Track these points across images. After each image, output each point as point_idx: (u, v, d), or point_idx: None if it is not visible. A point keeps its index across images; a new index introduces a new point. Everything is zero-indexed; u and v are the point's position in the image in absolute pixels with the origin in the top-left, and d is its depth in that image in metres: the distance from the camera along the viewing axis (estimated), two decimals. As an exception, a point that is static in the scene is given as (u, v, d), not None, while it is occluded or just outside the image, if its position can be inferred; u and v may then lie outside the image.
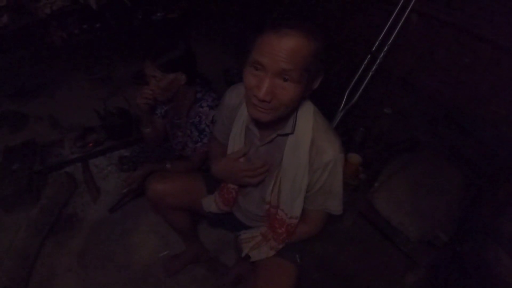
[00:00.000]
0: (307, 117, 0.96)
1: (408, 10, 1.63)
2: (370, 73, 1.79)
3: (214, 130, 1.25)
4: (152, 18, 3.33)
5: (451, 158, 1.66)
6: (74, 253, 1.74)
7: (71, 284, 1.61)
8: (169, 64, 1.34)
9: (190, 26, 3.54)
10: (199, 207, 1.32)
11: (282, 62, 0.74)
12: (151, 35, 3.23)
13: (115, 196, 1.97)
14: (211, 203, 1.28)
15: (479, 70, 1.51)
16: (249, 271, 1.55)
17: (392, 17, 1.70)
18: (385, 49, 1.73)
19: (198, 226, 1.80)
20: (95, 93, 2.72)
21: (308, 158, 0.96)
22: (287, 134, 0.96)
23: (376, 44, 1.78)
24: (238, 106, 1.07)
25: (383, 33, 1.75)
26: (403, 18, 1.66)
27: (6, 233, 1.78)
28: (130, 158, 1.88)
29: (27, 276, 1.60)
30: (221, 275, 1.65)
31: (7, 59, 2.77)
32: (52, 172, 2.09)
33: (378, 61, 1.76)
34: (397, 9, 1.68)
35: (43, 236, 1.75)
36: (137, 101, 1.43)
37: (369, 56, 1.82)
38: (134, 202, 1.95)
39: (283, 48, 0.73)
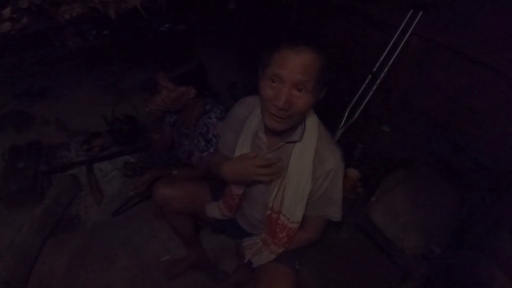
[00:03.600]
0: (313, 127, 1.03)
1: (408, 33, 1.71)
2: (371, 92, 1.86)
3: (218, 144, 1.30)
4: (160, 29, 3.42)
5: (446, 175, 1.71)
6: (75, 254, 1.75)
7: (70, 284, 1.63)
8: (181, 77, 1.40)
9: (196, 39, 3.63)
10: (203, 213, 1.36)
11: (299, 74, 0.84)
12: (159, 45, 3.30)
13: (118, 200, 2.00)
14: (214, 209, 1.32)
15: (474, 91, 1.56)
16: (248, 278, 1.58)
17: (393, 39, 1.78)
18: (386, 69, 1.79)
19: (200, 233, 1.82)
20: (102, 99, 2.77)
21: (312, 166, 1.02)
22: (294, 142, 1.02)
23: (377, 65, 1.85)
24: (246, 117, 1.12)
25: (384, 54, 1.82)
26: (404, 41, 1.73)
27: (9, 230, 1.81)
28: (136, 163, 1.92)
29: (27, 274, 1.62)
30: (221, 282, 1.67)
31: (16, 60, 2.82)
32: (57, 173, 2.12)
33: (378, 81, 1.83)
34: (398, 32, 1.76)
35: (45, 236, 1.77)
36: (149, 107, 1.48)
37: (370, 76, 1.88)
38: (137, 207, 1.98)
39: (300, 62, 0.84)
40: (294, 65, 0.84)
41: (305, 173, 1.03)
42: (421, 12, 1.64)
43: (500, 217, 1.49)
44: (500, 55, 1.42)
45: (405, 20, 1.71)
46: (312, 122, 1.03)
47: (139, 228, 1.89)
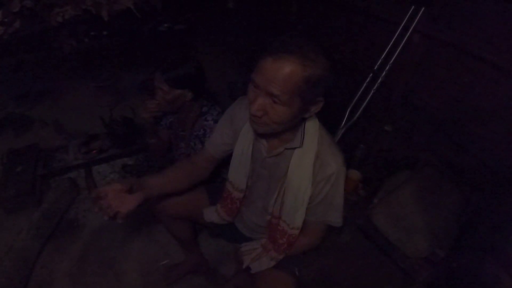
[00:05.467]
0: (313, 132, 1.00)
1: (410, 31, 1.67)
2: (372, 91, 1.82)
3: (207, 141, 1.25)
4: (158, 29, 3.39)
5: (450, 176, 1.68)
6: (74, 258, 1.74)
7: (69, 289, 1.62)
8: (177, 80, 1.37)
9: (195, 39, 3.61)
10: (201, 218, 1.34)
11: (271, 86, 0.79)
12: (157, 46, 3.29)
13: (116, 203, 1.98)
14: (212, 213, 1.30)
15: (478, 89, 1.54)
16: (248, 283, 1.55)
17: (395, 37, 1.74)
18: (387, 68, 1.76)
19: (198, 237, 1.81)
20: (100, 101, 2.76)
21: (312, 170, 0.99)
22: (294, 148, 0.99)
23: (378, 63, 1.82)
24: (243, 118, 1.09)
25: (386, 52, 1.78)
26: (405, 38, 1.69)
27: (7, 234, 1.80)
28: (133, 166, 1.90)
29: (26, 279, 1.60)
30: (220, 286, 1.65)
31: (14, 63, 2.81)
32: (55, 177, 2.11)
33: (379, 79, 1.79)
34: (399, 29, 1.72)
35: (43, 240, 1.76)
36: (142, 115, 1.46)
37: (371, 75, 1.85)
38: (136, 210, 1.96)
39: (276, 73, 0.78)
40: (269, 75, 0.79)
41: (305, 178, 1.00)
42: (423, 9, 1.61)
43: (505, 218, 1.45)
44: (504, 52, 1.39)
45: (407, 17, 1.67)
46: (312, 126, 1.00)
47: (137, 232, 1.87)
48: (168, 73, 1.36)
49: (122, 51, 3.22)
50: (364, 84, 1.88)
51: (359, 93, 1.90)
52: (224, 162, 1.24)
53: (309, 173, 0.99)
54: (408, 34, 1.68)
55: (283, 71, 0.77)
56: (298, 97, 0.81)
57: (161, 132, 1.67)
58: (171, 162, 1.74)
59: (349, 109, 1.92)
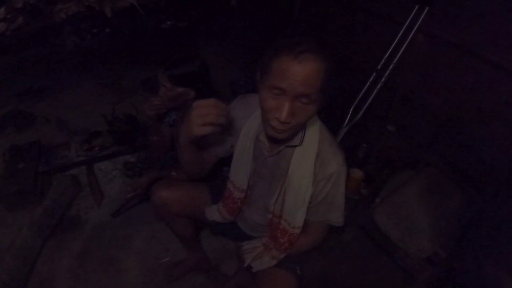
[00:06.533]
0: (314, 130, 0.99)
1: (414, 30, 1.66)
2: (375, 91, 1.82)
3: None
4: (161, 27, 3.39)
5: (452, 176, 1.68)
6: (75, 255, 1.74)
7: (71, 285, 1.62)
8: (181, 77, 1.36)
9: (198, 36, 3.60)
10: (203, 216, 1.34)
11: (303, 88, 0.77)
12: (160, 43, 3.28)
13: (118, 201, 1.98)
14: (214, 212, 1.30)
15: (481, 90, 1.54)
16: (249, 282, 1.55)
17: (398, 36, 1.74)
18: (391, 67, 1.76)
19: (200, 235, 1.81)
20: (103, 98, 2.75)
21: (313, 169, 0.99)
22: (294, 146, 0.99)
23: (382, 62, 1.81)
24: (244, 117, 1.09)
25: (389, 51, 1.78)
26: (409, 38, 1.69)
27: (8, 231, 1.80)
28: (135, 164, 1.90)
29: (27, 275, 1.60)
30: (221, 284, 1.65)
31: (17, 59, 2.81)
32: (57, 174, 2.10)
33: (383, 79, 1.79)
34: (403, 29, 1.72)
35: (45, 237, 1.76)
36: (146, 113, 1.46)
37: (374, 74, 1.85)
38: (137, 207, 1.96)
39: (303, 73, 0.76)
40: (297, 78, 0.76)
41: (305, 177, 1.00)
42: (427, 8, 1.60)
43: (507, 218, 1.45)
44: (507, 52, 1.39)
45: (411, 16, 1.67)
46: (313, 125, 1.00)
47: (139, 229, 1.87)
48: (171, 71, 1.35)
49: (125, 48, 3.21)
50: (368, 83, 1.88)
51: (363, 92, 1.90)
52: (226, 160, 1.24)
53: (309, 172, 0.99)
54: (412, 33, 1.68)
55: (311, 69, 0.76)
56: (321, 92, 0.81)
57: (164, 129, 1.66)
58: (173, 160, 1.75)
59: (352, 108, 1.92)
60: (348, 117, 1.92)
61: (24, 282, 1.58)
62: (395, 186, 1.71)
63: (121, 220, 1.92)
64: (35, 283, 1.61)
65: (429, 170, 1.74)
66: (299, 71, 0.76)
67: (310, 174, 0.99)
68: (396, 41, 1.75)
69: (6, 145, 2.16)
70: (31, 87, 2.82)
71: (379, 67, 1.82)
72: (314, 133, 0.99)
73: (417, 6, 1.64)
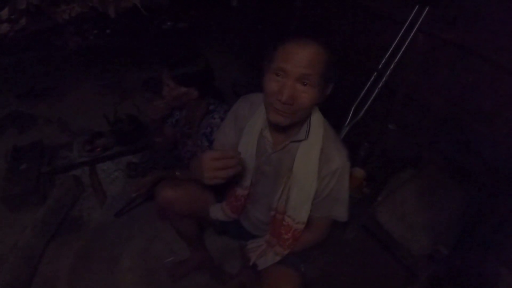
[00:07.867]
0: (319, 125, 1.01)
1: (415, 30, 1.67)
2: (376, 90, 1.83)
3: (214, 143, 1.26)
4: (162, 27, 3.39)
5: (453, 174, 1.69)
6: (79, 255, 1.74)
7: (74, 285, 1.62)
8: (184, 77, 1.37)
9: (199, 37, 3.61)
10: (207, 215, 1.34)
11: (302, 68, 0.83)
12: (161, 44, 3.29)
13: (121, 201, 1.99)
14: (218, 211, 1.31)
15: (482, 89, 1.54)
16: (253, 280, 1.56)
17: (399, 36, 1.75)
18: (391, 66, 1.77)
19: (204, 234, 1.81)
20: (105, 98, 2.76)
21: (318, 165, 1.00)
22: (300, 141, 1.00)
23: (383, 62, 1.82)
24: (248, 116, 1.11)
25: (390, 51, 1.79)
26: (410, 37, 1.70)
27: (12, 232, 1.80)
28: (138, 164, 1.90)
29: (31, 276, 1.61)
30: (225, 283, 1.65)
31: (18, 60, 2.81)
32: (60, 174, 2.10)
33: (384, 78, 1.80)
34: (404, 29, 1.73)
35: (48, 237, 1.76)
36: (150, 115, 1.47)
37: (375, 74, 1.86)
38: (140, 207, 1.97)
39: (305, 55, 0.83)
40: (299, 59, 0.83)
41: (310, 173, 1.01)
42: (427, 8, 1.61)
43: (507, 216, 1.46)
44: (508, 51, 1.40)
45: (411, 16, 1.68)
46: (317, 120, 1.01)
47: (142, 229, 1.88)
48: (175, 70, 1.36)
49: (126, 49, 3.22)
50: (369, 83, 1.89)
51: (364, 91, 1.91)
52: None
53: (315, 167, 1.01)
54: (413, 33, 1.68)
55: (311, 51, 0.84)
56: (322, 78, 0.86)
57: (166, 129, 1.67)
58: (176, 160, 1.75)
59: (353, 107, 1.93)
60: (349, 117, 1.93)
61: (27, 282, 1.58)
62: (397, 185, 1.72)
63: (124, 220, 1.92)
64: (38, 283, 1.61)
65: (430, 168, 1.75)
66: (301, 52, 0.83)
67: (315, 170, 1.01)
68: (396, 41, 1.76)
69: (8, 146, 2.16)
70: (33, 88, 2.82)
71: (380, 66, 1.83)
72: (319, 129, 1.01)
73: (417, 6, 1.65)
